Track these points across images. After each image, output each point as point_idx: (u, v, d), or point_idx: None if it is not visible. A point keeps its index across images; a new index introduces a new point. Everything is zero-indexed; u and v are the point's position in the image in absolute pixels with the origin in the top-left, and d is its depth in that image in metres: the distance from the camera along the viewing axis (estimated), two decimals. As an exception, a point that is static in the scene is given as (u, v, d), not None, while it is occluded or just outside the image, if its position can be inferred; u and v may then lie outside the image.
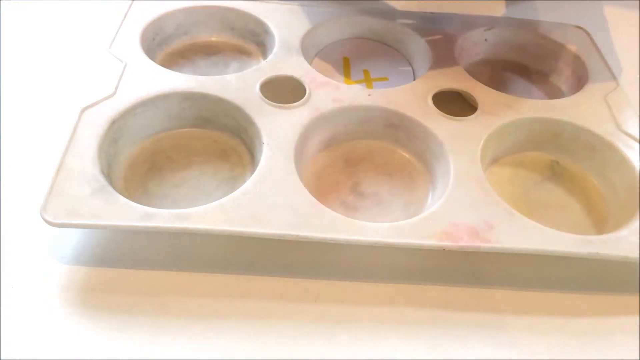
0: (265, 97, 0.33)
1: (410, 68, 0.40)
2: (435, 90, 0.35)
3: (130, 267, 0.28)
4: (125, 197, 0.28)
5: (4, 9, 0.44)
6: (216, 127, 0.34)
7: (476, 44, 0.41)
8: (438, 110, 0.34)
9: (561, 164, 0.34)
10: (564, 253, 0.28)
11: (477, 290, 0.29)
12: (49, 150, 0.31)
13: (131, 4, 0.40)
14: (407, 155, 0.34)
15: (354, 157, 0.34)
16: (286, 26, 0.39)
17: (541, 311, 0.28)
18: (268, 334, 0.26)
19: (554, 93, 0.39)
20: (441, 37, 0.40)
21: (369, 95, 0.34)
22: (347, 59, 0.40)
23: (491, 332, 0.27)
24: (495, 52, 0.42)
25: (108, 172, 0.30)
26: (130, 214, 0.27)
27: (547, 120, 0.34)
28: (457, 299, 0.28)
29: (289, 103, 0.33)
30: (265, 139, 0.31)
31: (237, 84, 0.34)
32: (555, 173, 0.34)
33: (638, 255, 0.27)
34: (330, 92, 0.34)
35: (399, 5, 0.43)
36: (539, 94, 0.39)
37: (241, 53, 0.40)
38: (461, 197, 0.29)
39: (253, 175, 0.29)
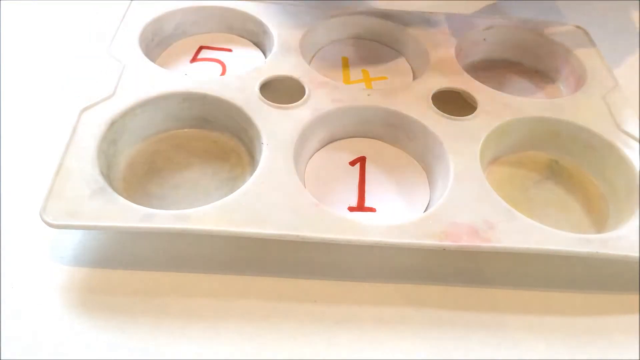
0: (265, 97, 0.33)
1: (409, 68, 0.40)
2: (435, 90, 0.35)
3: (130, 268, 0.28)
4: (124, 198, 0.28)
5: (4, 9, 0.44)
6: (215, 128, 0.34)
7: (475, 44, 0.41)
8: (437, 110, 0.34)
9: (560, 164, 0.34)
10: (563, 252, 0.28)
11: (477, 290, 0.29)
12: (49, 151, 0.31)
13: (130, 4, 0.40)
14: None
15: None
16: (285, 26, 0.39)
17: (541, 311, 0.28)
18: (268, 334, 0.27)
19: (553, 92, 0.39)
20: (440, 37, 0.40)
21: (368, 95, 0.34)
22: (346, 59, 0.40)
23: (491, 332, 0.27)
24: (494, 51, 0.42)
25: (107, 173, 0.30)
26: (130, 214, 0.27)
27: (546, 119, 0.34)
28: (457, 299, 0.28)
29: (289, 103, 0.33)
30: (264, 139, 0.31)
31: (236, 84, 0.34)
32: (555, 172, 0.34)
33: (638, 255, 0.28)
34: (330, 92, 0.34)
35: (398, 5, 0.43)
36: (538, 93, 0.39)
37: (240, 53, 0.40)
38: (461, 197, 0.29)
39: (253, 176, 0.29)
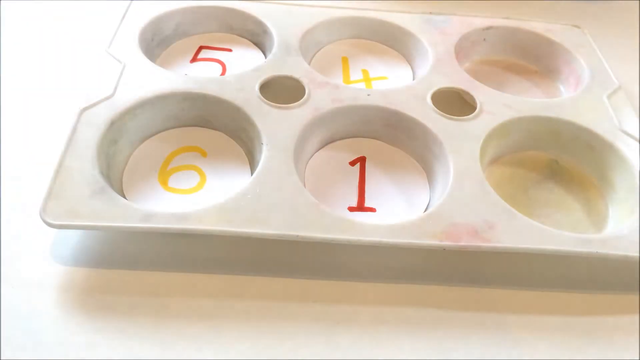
0: (265, 97, 0.33)
1: (409, 68, 0.40)
2: (435, 89, 0.35)
3: (129, 268, 0.28)
4: (124, 198, 0.28)
5: (4, 9, 0.44)
6: (215, 128, 0.34)
7: (475, 44, 0.41)
8: (437, 110, 0.34)
9: (560, 163, 0.34)
10: (563, 252, 0.28)
11: (477, 290, 0.29)
12: (49, 151, 0.31)
13: (130, 4, 0.40)
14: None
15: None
16: (285, 26, 0.39)
17: (541, 311, 0.28)
18: (268, 334, 0.27)
19: (553, 92, 0.39)
20: (440, 37, 0.40)
21: (368, 95, 0.34)
22: (345, 59, 0.40)
23: (491, 332, 0.27)
24: (494, 51, 0.42)
25: (107, 173, 0.30)
26: (130, 215, 0.27)
27: (546, 119, 0.34)
28: (457, 299, 0.28)
29: (288, 103, 0.33)
30: (264, 139, 0.31)
31: (236, 84, 0.34)
32: (555, 172, 0.34)
33: (638, 255, 0.28)
34: (330, 92, 0.34)
35: (398, 5, 0.43)
36: (538, 93, 0.39)
37: (240, 53, 0.40)
38: (461, 197, 0.29)
39: (253, 176, 0.29)
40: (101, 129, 0.31)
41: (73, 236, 0.29)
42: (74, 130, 0.30)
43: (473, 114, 0.34)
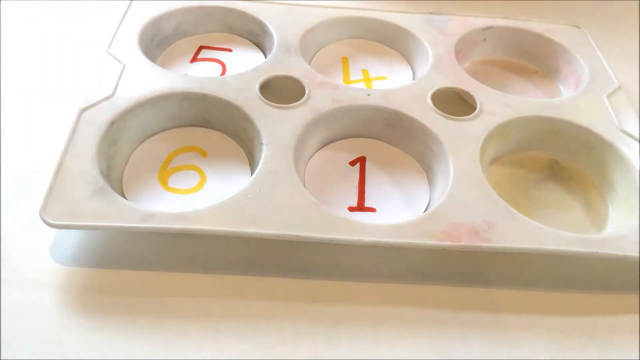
0: (265, 97, 0.33)
1: (409, 68, 0.40)
2: (435, 89, 0.35)
3: (130, 268, 0.28)
4: (124, 198, 0.28)
5: (4, 9, 0.44)
6: (216, 128, 0.34)
7: (475, 44, 0.41)
8: (437, 110, 0.34)
9: (560, 164, 0.34)
10: (563, 252, 0.28)
11: (477, 290, 0.29)
12: (49, 151, 0.31)
13: (130, 4, 0.40)
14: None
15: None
16: (285, 26, 0.39)
17: (541, 311, 0.28)
18: (268, 334, 0.27)
19: (553, 92, 0.39)
20: (440, 37, 0.40)
21: (368, 95, 0.34)
22: (345, 59, 0.40)
23: (491, 332, 0.27)
24: (494, 51, 0.42)
25: (107, 173, 0.30)
26: (130, 215, 0.27)
27: (546, 119, 0.34)
28: (457, 299, 0.28)
29: (288, 103, 0.33)
30: (264, 139, 0.31)
31: (236, 84, 0.34)
32: (555, 172, 0.34)
33: (638, 255, 0.28)
34: (330, 92, 0.34)
35: (398, 5, 0.43)
36: (538, 93, 0.39)
37: (240, 53, 0.40)
38: (461, 197, 0.29)
39: (253, 176, 0.29)
40: (101, 129, 0.31)
41: (73, 236, 0.29)
42: (74, 130, 0.30)
43: (473, 114, 0.34)
